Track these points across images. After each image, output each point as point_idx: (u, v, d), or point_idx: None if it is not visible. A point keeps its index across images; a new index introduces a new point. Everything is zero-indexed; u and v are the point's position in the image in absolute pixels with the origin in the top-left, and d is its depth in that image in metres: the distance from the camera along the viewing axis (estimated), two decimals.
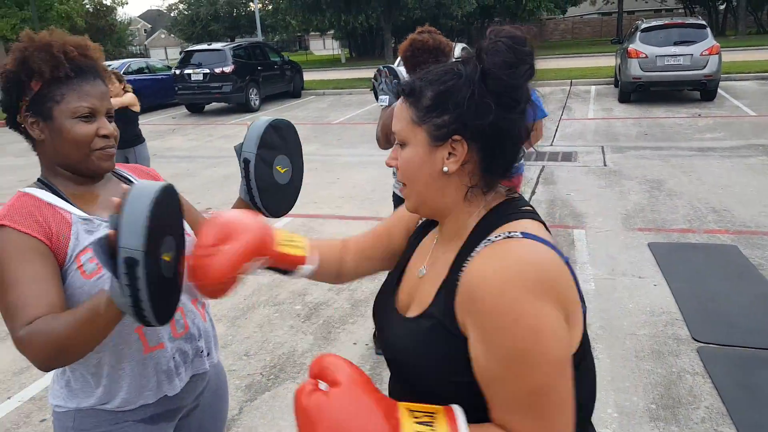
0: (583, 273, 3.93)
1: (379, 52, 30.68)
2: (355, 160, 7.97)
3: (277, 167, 1.33)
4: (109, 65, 14.78)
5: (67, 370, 1.21)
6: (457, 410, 0.82)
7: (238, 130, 11.42)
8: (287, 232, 1.08)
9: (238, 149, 1.29)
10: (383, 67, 2.94)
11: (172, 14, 42.34)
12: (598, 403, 2.64)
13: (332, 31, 33.58)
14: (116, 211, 0.83)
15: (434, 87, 0.90)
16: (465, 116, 0.87)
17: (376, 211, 5.59)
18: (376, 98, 2.96)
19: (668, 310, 3.41)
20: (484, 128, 0.87)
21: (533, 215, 0.92)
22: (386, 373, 3.23)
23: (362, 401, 0.78)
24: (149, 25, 70.77)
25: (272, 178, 1.32)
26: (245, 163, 1.27)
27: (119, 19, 40.47)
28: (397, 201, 2.96)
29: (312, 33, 36.19)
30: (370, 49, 34.43)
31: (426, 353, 0.87)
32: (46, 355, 0.98)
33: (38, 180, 1.21)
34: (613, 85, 13.28)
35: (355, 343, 3.28)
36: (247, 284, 4.16)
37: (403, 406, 0.81)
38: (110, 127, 1.18)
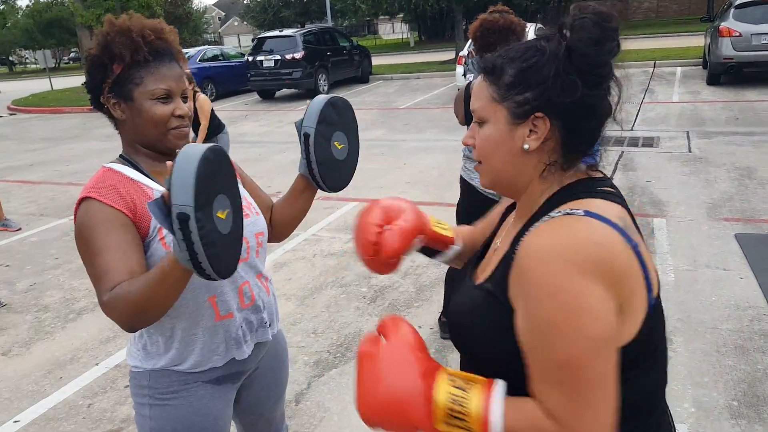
0: (663, 264, 3.73)
1: (449, 34, 30.20)
2: (421, 145, 7.93)
3: (335, 143, 1.36)
4: (186, 53, 15.40)
5: (144, 334, 1.30)
6: (499, 383, 0.84)
7: None
8: (435, 217, 1.17)
9: (299, 125, 1.33)
10: (471, 47, 2.91)
11: (245, 2, 43.53)
12: (674, 399, 2.51)
13: (401, 15, 33.37)
14: (169, 173, 0.89)
15: (516, 64, 0.89)
16: (550, 93, 0.86)
17: (441, 196, 5.55)
18: (465, 78, 2.95)
19: (755, 305, 3.19)
20: (570, 105, 0.86)
21: (611, 196, 0.89)
22: (451, 357, 3.20)
23: (404, 357, 0.86)
24: (223, 13, 73.15)
25: (330, 153, 1.35)
26: (305, 138, 1.31)
27: (195, 8, 42.09)
28: (464, 185, 2.91)
29: (381, 17, 36.13)
30: (440, 31, 33.94)
31: (477, 319, 0.90)
32: (128, 316, 1.05)
33: (120, 156, 1.29)
34: (701, 67, 12.43)
35: (420, 327, 3.29)
36: (315, 266, 4.25)
37: (444, 370, 0.86)
38: (185, 108, 1.23)
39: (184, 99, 1.25)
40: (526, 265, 0.81)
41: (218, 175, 0.94)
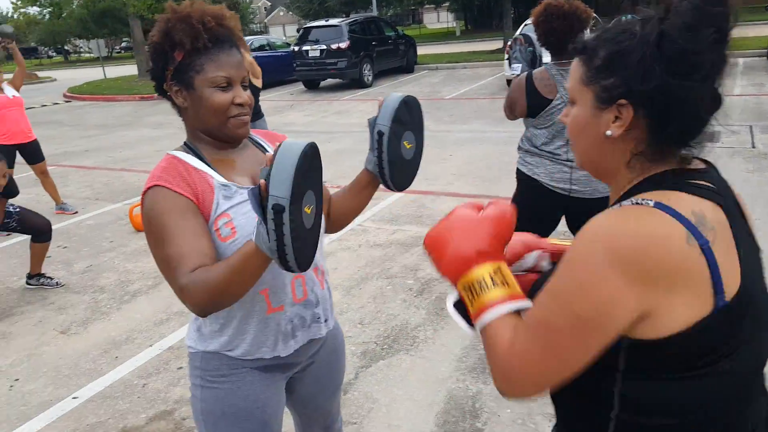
0: None
1: (497, 23, 29.72)
2: (468, 136, 7.81)
3: (405, 142, 1.36)
4: None
5: (199, 317, 1.31)
6: (523, 303, 0.89)
7: (351, 106, 11.64)
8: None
9: (372, 122, 1.32)
10: (520, 34, 2.82)
11: None
12: None
13: (447, 3, 33.00)
14: (268, 164, 0.92)
15: (608, 47, 0.86)
16: (631, 80, 0.83)
17: (488, 188, 5.45)
18: (509, 67, 2.85)
19: None
20: (654, 94, 0.82)
21: (699, 189, 0.84)
22: None
23: (482, 232, 0.93)
24: (269, 3, 74.01)
25: (400, 152, 1.35)
26: (379, 136, 1.30)
27: None
28: (521, 176, 2.82)
29: (426, 6, 35.81)
30: (487, 21, 33.43)
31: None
32: (205, 301, 1.05)
33: (184, 144, 1.29)
34: (765, 58, 11.84)
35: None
36: (360, 256, 4.24)
37: (500, 264, 0.92)
38: (245, 96, 1.22)
39: (244, 87, 1.24)
40: (576, 240, 0.82)
41: (311, 171, 0.97)
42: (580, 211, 2.51)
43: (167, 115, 12.51)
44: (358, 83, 14.10)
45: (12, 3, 37.94)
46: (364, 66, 14.07)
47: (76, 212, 5.82)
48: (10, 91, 5.33)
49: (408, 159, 1.38)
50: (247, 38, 16.92)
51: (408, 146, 1.37)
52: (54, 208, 5.81)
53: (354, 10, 35.84)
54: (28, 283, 4.10)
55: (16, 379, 2.99)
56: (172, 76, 1.21)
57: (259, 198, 0.92)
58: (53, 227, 4.07)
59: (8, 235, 5.10)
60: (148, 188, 1.18)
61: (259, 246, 0.95)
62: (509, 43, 2.69)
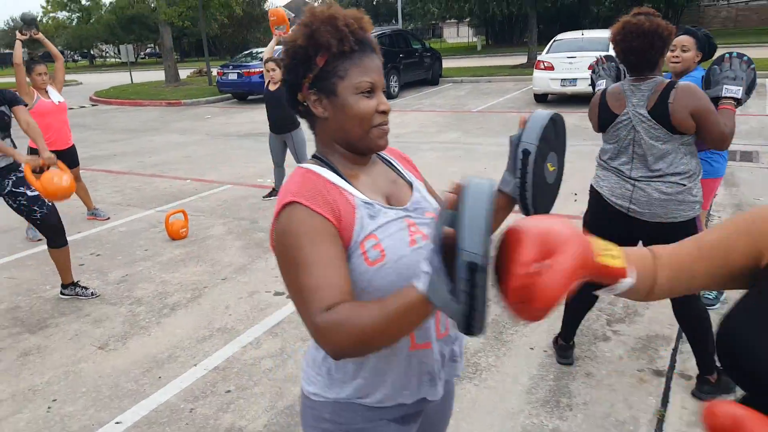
0: None
1: (518, 39, 29.70)
2: (499, 150, 7.64)
3: (548, 164, 1.22)
4: (260, 52, 15.68)
5: (328, 358, 1.16)
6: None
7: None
8: (601, 240, 0.90)
9: (516, 139, 1.18)
10: (601, 55, 2.87)
11: (315, 3, 44.30)
12: None
13: (468, 19, 33.08)
14: (450, 207, 0.80)
15: None
16: None
17: None
18: (593, 88, 2.88)
19: None
20: None
21: None
22: (573, 385, 2.90)
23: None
24: (293, 14, 74.86)
25: (543, 175, 1.20)
26: (524, 155, 1.15)
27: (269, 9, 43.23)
28: (591, 189, 2.68)
29: (448, 20, 35.90)
30: (507, 36, 33.41)
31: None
32: (347, 346, 0.92)
33: (314, 157, 1.17)
34: None
35: (532, 349, 3.02)
36: None
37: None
38: (388, 104, 1.14)
39: (384, 94, 1.14)
40: None
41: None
42: (638, 236, 2.52)
43: (194, 122, 12.48)
44: (385, 94, 14.08)
45: (42, 7, 38.67)
46: (391, 77, 14.11)
47: (108, 218, 5.69)
48: (56, 96, 5.21)
49: (550, 183, 1.23)
50: (276, 47, 16.94)
51: (551, 169, 1.22)
52: (86, 214, 5.70)
53: (378, 23, 36.09)
54: (62, 293, 3.95)
55: (54, 400, 2.80)
56: (311, 83, 1.10)
57: (443, 247, 0.79)
58: (85, 233, 3.93)
59: (39, 240, 4.98)
60: (284, 205, 1.04)
61: (433, 301, 0.81)
62: (592, 66, 2.70)
